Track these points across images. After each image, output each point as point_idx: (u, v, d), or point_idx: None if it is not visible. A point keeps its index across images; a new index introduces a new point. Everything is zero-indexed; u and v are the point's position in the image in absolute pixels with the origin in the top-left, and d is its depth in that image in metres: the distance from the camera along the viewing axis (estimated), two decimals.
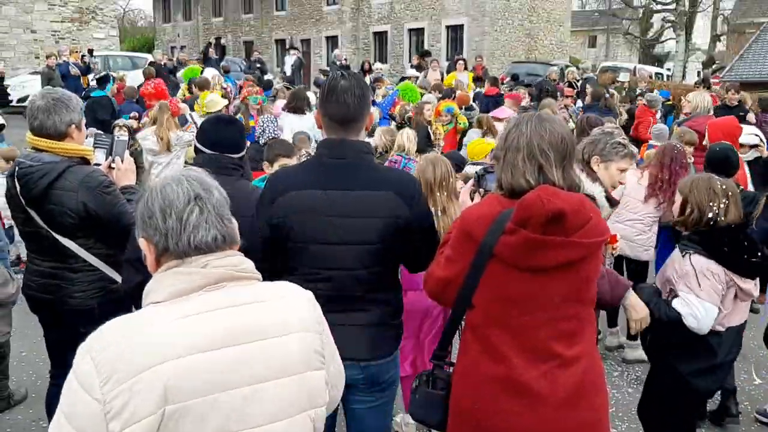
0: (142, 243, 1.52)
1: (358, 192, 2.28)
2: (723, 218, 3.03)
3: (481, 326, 2.11)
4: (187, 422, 1.33)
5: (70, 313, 3.04)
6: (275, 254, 2.36)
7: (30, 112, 2.93)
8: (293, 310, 1.55)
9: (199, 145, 2.74)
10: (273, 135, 6.73)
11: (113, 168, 3.11)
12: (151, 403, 1.29)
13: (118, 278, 2.96)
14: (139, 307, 1.50)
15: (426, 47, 26.89)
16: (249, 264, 1.56)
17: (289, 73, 18.01)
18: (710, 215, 3.03)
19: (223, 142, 2.71)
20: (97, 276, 3.05)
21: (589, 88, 11.55)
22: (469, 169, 4.85)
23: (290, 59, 18.39)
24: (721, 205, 3.02)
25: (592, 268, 2.11)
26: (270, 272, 2.39)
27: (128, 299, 2.56)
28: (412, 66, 18.30)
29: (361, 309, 2.36)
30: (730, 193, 3.07)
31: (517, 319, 2.05)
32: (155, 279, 1.48)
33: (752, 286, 3.07)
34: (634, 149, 3.52)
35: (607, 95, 10.58)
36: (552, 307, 2.04)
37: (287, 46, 21.30)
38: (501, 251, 1.99)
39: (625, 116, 10.21)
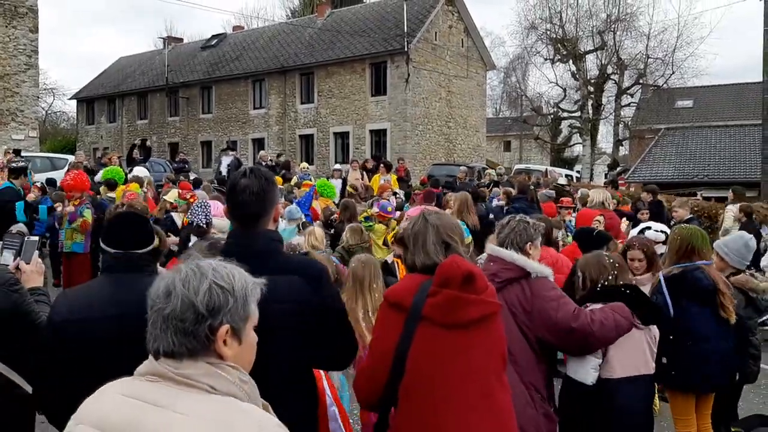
0: None
1: (264, 278, 2.25)
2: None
3: (412, 391, 2.34)
4: None
5: None
6: None
7: None
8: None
9: (103, 245, 2.57)
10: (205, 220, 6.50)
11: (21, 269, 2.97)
12: None
13: (20, 381, 2.77)
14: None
15: (351, 150, 27.78)
16: None
17: (225, 173, 18.05)
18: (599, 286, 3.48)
19: (125, 238, 2.56)
20: None
21: (501, 188, 12.23)
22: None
23: (227, 159, 18.42)
24: (610, 277, 3.47)
25: (500, 328, 2.46)
26: None
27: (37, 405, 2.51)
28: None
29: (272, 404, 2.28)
30: (617, 264, 3.53)
31: (445, 379, 2.30)
32: None
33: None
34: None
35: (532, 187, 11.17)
36: (476, 364, 2.34)
37: (224, 147, 21.36)
38: (428, 312, 2.32)
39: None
